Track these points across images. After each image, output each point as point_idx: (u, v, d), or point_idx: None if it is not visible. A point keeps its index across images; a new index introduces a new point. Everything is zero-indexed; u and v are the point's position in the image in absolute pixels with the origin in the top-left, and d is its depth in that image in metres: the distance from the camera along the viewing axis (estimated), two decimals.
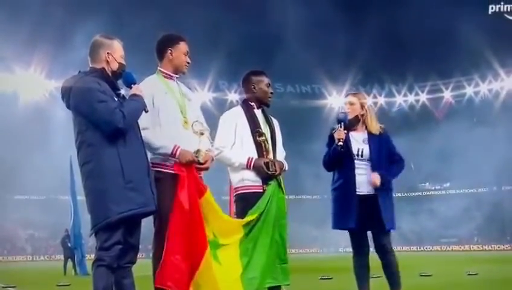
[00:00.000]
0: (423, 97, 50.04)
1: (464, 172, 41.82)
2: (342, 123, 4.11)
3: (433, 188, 46.27)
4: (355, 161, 4.12)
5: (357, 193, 4.09)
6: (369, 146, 4.12)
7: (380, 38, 41.60)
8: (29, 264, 29.90)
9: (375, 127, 4.18)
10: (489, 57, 42.32)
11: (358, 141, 4.16)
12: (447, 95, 49.38)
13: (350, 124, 4.18)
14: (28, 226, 39.70)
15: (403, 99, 50.14)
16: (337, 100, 50.55)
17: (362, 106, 4.21)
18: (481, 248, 39.93)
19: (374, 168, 4.08)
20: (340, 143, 4.07)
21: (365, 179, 4.09)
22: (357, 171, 4.11)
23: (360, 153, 4.12)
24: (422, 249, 39.22)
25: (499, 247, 39.47)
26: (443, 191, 47.16)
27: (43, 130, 33.96)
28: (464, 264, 14.13)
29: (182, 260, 3.36)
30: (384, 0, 42.59)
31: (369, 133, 4.16)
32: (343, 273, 10.45)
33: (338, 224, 4.17)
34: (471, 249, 40.04)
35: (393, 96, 48.58)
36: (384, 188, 4.07)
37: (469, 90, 48.07)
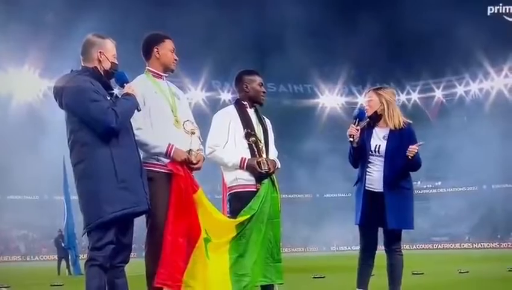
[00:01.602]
0: (415, 96, 50.30)
1: (455, 171, 42.08)
2: (357, 119, 4.05)
3: (424, 186, 46.51)
4: (372, 157, 4.06)
5: (370, 189, 4.05)
6: (387, 143, 4.04)
7: (372, 38, 41.71)
8: (23, 265, 29.75)
9: (395, 122, 4.05)
10: (480, 57, 42.63)
11: (379, 137, 4.09)
12: (439, 94, 49.69)
13: (372, 120, 4.11)
14: (21, 226, 39.52)
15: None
16: (329, 99, 50.72)
17: (381, 102, 4.10)
18: (472, 246, 40.18)
19: (387, 165, 4.01)
20: (351, 140, 4.03)
21: (379, 176, 4.04)
22: (372, 167, 4.06)
23: (377, 149, 4.06)
24: (414, 247, 39.40)
25: (488, 245, 39.75)
26: (434, 189, 47.43)
27: (37, 130, 33.79)
28: (455, 262, 14.22)
29: (181, 260, 3.38)
30: (376, 0, 42.72)
31: (392, 129, 4.06)
32: (336, 272, 10.51)
33: (355, 220, 4.16)
34: (463, 247, 40.28)
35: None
36: (395, 186, 4.01)
37: (460, 90, 48.41)
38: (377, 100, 4.10)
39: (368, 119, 4.11)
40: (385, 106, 4.08)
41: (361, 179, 4.11)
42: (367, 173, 4.08)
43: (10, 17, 32.14)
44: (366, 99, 4.19)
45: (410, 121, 4.16)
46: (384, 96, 4.11)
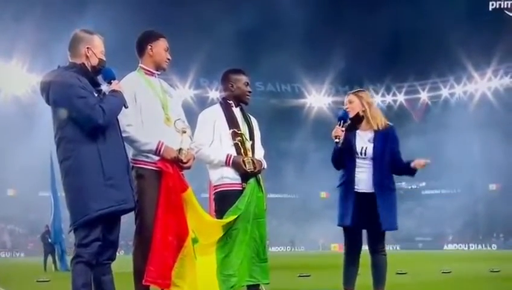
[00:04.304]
0: (401, 98, 50.72)
1: (439, 172, 42.48)
2: (342, 121, 4.09)
3: (409, 187, 46.88)
4: (358, 160, 4.09)
5: (357, 191, 4.08)
6: (374, 145, 4.08)
7: (358, 39, 41.96)
8: (10, 260, 29.48)
9: (378, 123, 4.10)
10: (464, 60, 43.13)
11: (364, 140, 4.11)
12: (424, 96, 50.16)
13: (354, 123, 4.15)
14: (8, 221, 39.10)
15: (381, 99, 50.72)
16: (316, 99, 50.93)
17: (362, 104, 4.15)
18: (455, 247, 40.62)
19: (376, 167, 4.05)
20: (337, 140, 4.06)
21: (366, 177, 4.07)
22: (358, 169, 4.08)
23: (363, 151, 4.08)
24: (398, 248, 39.72)
25: (471, 246, 40.20)
26: (419, 190, 47.85)
27: (25, 125, 33.44)
28: (438, 262, 14.37)
29: (171, 258, 3.37)
30: (364, 2, 42.94)
31: (376, 132, 4.10)
32: (322, 270, 10.56)
33: (338, 221, 4.16)
34: (445, 248, 40.68)
35: (371, 96, 49.20)
36: (384, 188, 4.06)
37: (445, 92, 48.95)
38: (358, 102, 4.16)
39: (349, 122, 4.15)
40: (367, 108, 4.15)
41: (348, 181, 4.12)
42: (354, 175, 4.11)
43: None
44: (346, 102, 4.23)
45: (391, 123, 4.21)
46: (365, 99, 4.19)
